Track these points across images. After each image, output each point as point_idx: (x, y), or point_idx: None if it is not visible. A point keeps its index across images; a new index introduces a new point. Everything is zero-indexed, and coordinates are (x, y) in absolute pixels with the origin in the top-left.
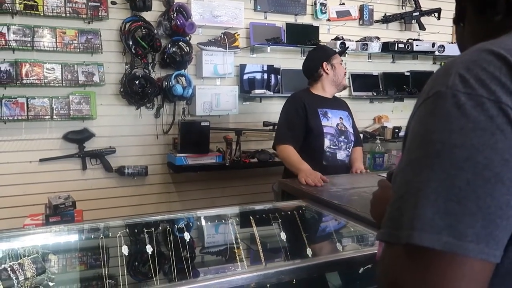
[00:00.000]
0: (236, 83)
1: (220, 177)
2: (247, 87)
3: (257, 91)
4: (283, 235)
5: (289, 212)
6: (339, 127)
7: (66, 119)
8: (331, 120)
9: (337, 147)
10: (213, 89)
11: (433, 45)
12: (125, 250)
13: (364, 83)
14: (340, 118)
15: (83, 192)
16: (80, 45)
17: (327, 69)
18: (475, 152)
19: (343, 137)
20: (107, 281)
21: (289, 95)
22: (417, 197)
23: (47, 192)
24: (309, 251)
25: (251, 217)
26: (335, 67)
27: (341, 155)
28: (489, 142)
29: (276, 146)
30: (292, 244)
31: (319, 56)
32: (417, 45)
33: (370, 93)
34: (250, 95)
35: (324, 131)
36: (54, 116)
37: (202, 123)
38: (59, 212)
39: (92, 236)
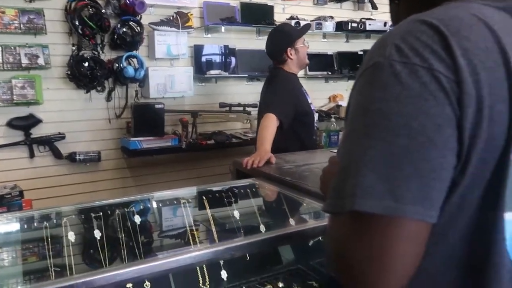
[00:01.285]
0: (191, 64)
1: (176, 160)
2: (203, 68)
3: (213, 72)
4: (236, 214)
5: (242, 191)
6: (312, 102)
7: (9, 104)
8: (309, 98)
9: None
10: (167, 70)
11: (385, 24)
12: (71, 236)
13: (319, 63)
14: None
15: (32, 181)
16: (21, 25)
17: (291, 54)
18: (410, 118)
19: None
20: (52, 269)
21: (246, 75)
22: (358, 166)
23: None
24: (262, 227)
25: (204, 197)
26: (298, 51)
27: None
28: (422, 108)
29: (263, 114)
30: (246, 221)
31: (282, 41)
32: (369, 24)
33: (325, 73)
34: (205, 76)
35: (312, 108)
36: None
37: (156, 106)
38: (6, 203)
39: (36, 224)
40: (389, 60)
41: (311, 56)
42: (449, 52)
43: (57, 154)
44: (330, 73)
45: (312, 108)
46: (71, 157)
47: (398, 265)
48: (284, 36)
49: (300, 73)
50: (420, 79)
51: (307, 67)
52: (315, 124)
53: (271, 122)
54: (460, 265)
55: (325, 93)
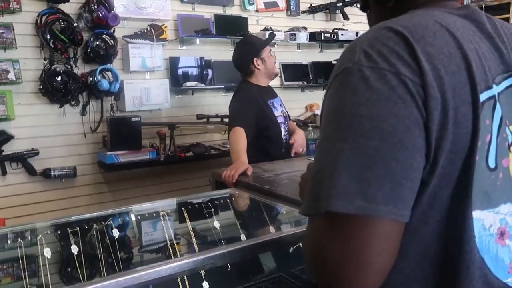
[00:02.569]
0: (166, 76)
1: (155, 173)
2: (179, 80)
3: (189, 83)
4: (216, 224)
5: (222, 201)
6: (283, 114)
7: None
8: (278, 110)
9: (287, 133)
10: (142, 83)
11: (357, 34)
12: (47, 253)
13: (294, 73)
14: (281, 105)
15: (5, 200)
16: None
17: (258, 64)
18: (381, 121)
19: (287, 122)
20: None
21: (222, 86)
22: (333, 168)
23: None
24: (242, 236)
25: (183, 209)
26: (265, 61)
27: (288, 139)
28: (392, 110)
29: (230, 128)
30: (226, 231)
31: (248, 52)
32: (342, 35)
33: (301, 82)
34: (181, 88)
35: (278, 121)
36: None
37: (133, 119)
38: None
39: (9, 242)
40: (358, 65)
41: (287, 66)
42: (414, 57)
43: (30, 171)
44: (305, 82)
45: (280, 120)
46: (46, 174)
47: (374, 263)
48: (250, 47)
49: (276, 84)
50: (388, 83)
51: (283, 78)
52: (284, 137)
53: (240, 134)
54: (433, 262)
55: (301, 103)
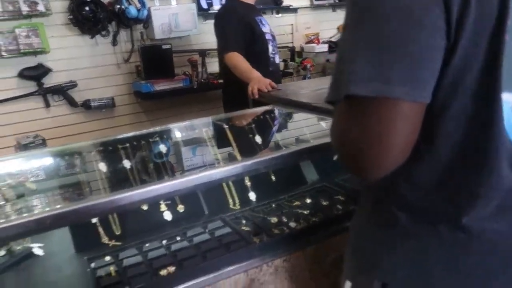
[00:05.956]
0: (193, 0)
1: (190, 101)
2: (205, 5)
3: (216, 7)
4: (258, 138)
5: (261, 117)
6: (271, 33)
7: (16, 55)
8: (266, 27)
9: (275, 52)
10: (169, 9)
11: None
12: (102, 166)
13: None
14: (268, 24)
15: (51, 131)
16: None
17: None
18: (398, 1)
19: (275, 41)
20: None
21: None
22: (351, 54)
23: (14, 134)
24: (283, 146)
25: (225, 125)
26: None
27: (277, 59)
28: None
29: (224, 55)
30: (266, 144)
31: None
32: None
33: (332, 1)
34: (209, 13)
35: (266, 38)
36: (3, 53)
37: (163, 46)
38: None
39: (67, 157)
40: None
41: None
42: None
43: (72, 103)
44: (337, 0)
45: (268, 37)
46: (86, 105)
47: (392, 143)
48: None
49: (306, 3)
50: None
51: None
52: (271, 55)
53: (239, 57)
54: (459, 146)
55: (333, 23)
